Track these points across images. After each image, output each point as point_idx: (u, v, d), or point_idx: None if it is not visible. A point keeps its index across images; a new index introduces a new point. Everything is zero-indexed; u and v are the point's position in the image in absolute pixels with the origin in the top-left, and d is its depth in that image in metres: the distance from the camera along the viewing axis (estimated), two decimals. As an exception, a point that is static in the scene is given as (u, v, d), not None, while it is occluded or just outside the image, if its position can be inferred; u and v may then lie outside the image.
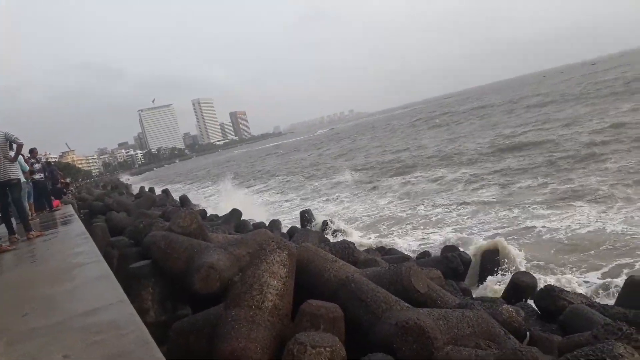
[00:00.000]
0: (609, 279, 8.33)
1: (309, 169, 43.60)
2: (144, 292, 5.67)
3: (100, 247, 7.04)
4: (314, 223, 15.12)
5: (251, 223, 15.45)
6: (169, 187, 45.01)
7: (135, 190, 43.35)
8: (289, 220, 19.35)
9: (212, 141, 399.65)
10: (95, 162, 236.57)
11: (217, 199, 33.39)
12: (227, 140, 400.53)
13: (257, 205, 26.27)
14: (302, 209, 17.40)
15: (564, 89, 63.70)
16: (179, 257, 5.80)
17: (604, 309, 6.06)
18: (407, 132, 62.17)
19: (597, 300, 7.16)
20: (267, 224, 15.91)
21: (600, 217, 11.89)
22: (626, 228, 10.69)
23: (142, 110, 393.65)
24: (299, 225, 15.04)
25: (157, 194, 27.37)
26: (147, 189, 35.37)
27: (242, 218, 15.49)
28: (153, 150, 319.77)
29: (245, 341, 3.55)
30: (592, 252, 9.88)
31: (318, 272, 5.05)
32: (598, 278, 8.63)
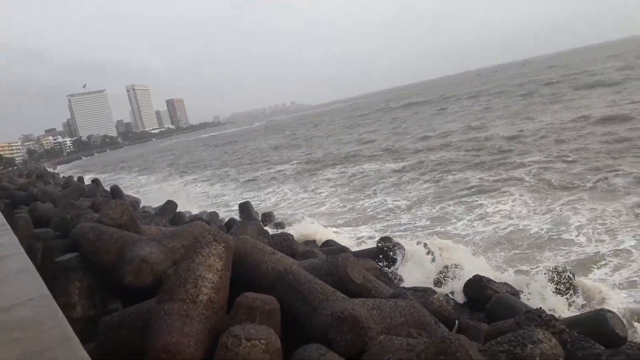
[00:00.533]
0: (533, 269, 8.85)
1: (247, 160, 43.23)
2: (70, 286, 5.41)
3: (23, 240, 6.63)
4: (253, 215, 15.00)
5: (187, 215, 15.11)
6: (99, 176, 43.08)
7: (62, 179, 41.16)
8: (228, 212, 19.10)
9: (147, 129, 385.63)
10: (19, 149, 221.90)
11: (151, 189, 32.39)
12: (163, 129, 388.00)
13: (193, 197, 25.72)
14: (241, 201, 17.23)
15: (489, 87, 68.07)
16: (109, 250, 5.57)
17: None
18: (347, 124, 63.21)
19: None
20: (204, 216, 15.62)
21: (527, 210, 12.60)
22: (550, 220, 11.40)
23: (72, 96, 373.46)
24: (238, 218, 14.87)
25: (86, 183, 26.09)
26: (75, 179, 33.65)
27: (178, 210, 15.10)
28: (83, 138, 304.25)
29: (179, 335, 3.48)
30: (519, 243, 10.45)
31: (256, 264, 5.02)
32: (522, 268, 9.14)
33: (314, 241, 11.90)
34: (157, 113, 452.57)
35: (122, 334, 4.30)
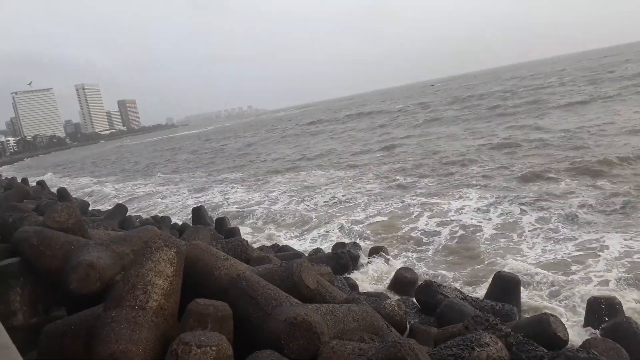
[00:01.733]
0: (481, 275, 9.14)
1: (201, 163, 42.62)
2: (10, 293, 5.15)
3: (-42, 244, 6.27)
4: (207, 221, 14.77)
5: (137, 220, 14.71)
6: (45, 178, 41.37)
7: (4, 180, 39.22)
8: (180, 217, 18.74)
9: (97, 130, 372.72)
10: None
11: (101, 193, 31.41)
12: (114, 130, 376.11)
13: (145, 201, 25.10)
14: (195, 206, 16.93)
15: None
16: (54, 255, 5.34)
17: (475, 302, 6.65)
18: (298, 130, 63.64)
19: (471, 294, 7.82)
20: (155, 220, 15.27)
21: (476, 214, 13.01)
22: (499, 226, 11.82)
23: (16, 94, 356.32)
24: (191, 223, 14.61)
25: (31, 185, 24.95)
26: (19, 180, 32.11)
27: (128, 214, 14.68)
28: (28, 138, 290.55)
29: (126, 343, 3.38)
30: (468, 247, 10.78)
31: (208, 270, 4.95)
32: (471, 274, 9.42)
33: (269, 247, 11.86)
34: (108, 114, 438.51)
35: (65, 342, 4.13)
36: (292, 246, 12.17)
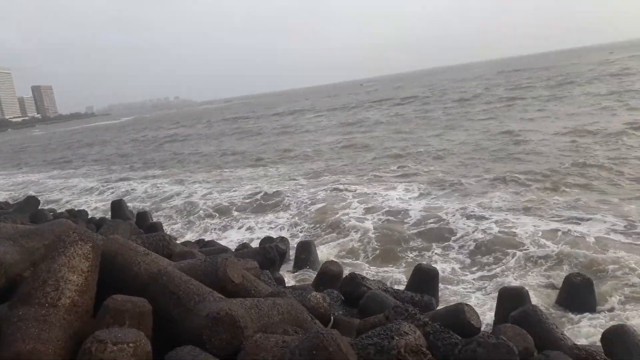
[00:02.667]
0: (404, 267, 9.50)
1: (117, 155, 40.90)
2: None
3: None
4: (127, 215, 14.18)
5: (51, 213, 13.85)
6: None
7: None
8: (98, 212, 17.87)
9: (7, 117, 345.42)
10: None
11: (11, 184, 29.28)
12: (27, 118, 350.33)
13: (59, 194, 23.69)
14: (114, 199, 16.20)
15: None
16: (-48, 251, 4.92)
17: (396, 293, 6.89)
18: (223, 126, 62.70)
19: (394, 286, 8.10)
20: (69, 214, 14.47)
21: (401, 204, 13.50)
22: (424, 215, 12.32)
23: None
24: (110, 218, 13.96)
25: None
26: None
27: (40, 207, 13.79)
28: None
29: (35, 343, 3.18)
30: (394, 238, 11.15)
31: (127, 265, 4.76)
32: (394, 266, 9.77)
33: (194, 242, 11.61)
34: (21, 100, 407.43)
35: (-36, 345, 3.82)
36: (218, 241, 11.99)
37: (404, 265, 9.77)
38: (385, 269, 9.71)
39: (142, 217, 13.34)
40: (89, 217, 15.30)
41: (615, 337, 5.23)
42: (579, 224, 10.59)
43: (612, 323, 6.26)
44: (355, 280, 7.04)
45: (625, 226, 10.07)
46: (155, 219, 14.31)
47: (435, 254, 10.16)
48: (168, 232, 11.86)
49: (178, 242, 10.09)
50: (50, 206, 19.24)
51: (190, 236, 13.38)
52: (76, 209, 17.20)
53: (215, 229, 14.14)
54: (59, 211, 16.08)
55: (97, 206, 19.42)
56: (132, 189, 22.51)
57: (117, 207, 14.36)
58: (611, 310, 7.13)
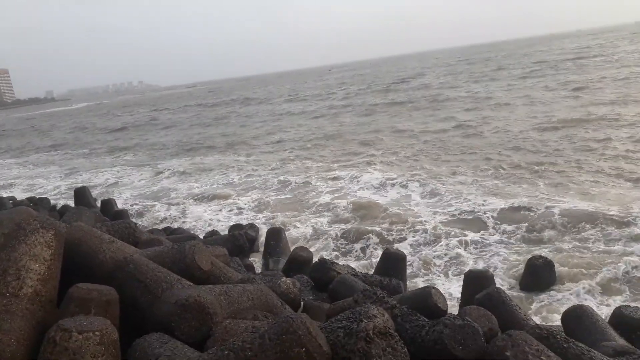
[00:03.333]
0: (372, 250, 9.63)
1: (77, 142, 39.84)
2: None
3: None
4: (91, 203, 13.86)
5: (10, 201, 13.41)
6: None
7: None
8: (61, 199, 17.40)
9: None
10: None
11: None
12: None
13: (19, 182, 22.94)
14: (77, 187, 15.79)
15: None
16: None
17: (365, 277, 6.99)
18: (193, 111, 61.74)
19: (363, 270, 8.21)
20: (30, 202, 14.04)
21: (373, 187, 13.65)
22: (395, 200, 12.48)
23: None
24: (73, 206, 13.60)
25: None
26: None
27: (-1, 195, 13.33)
28: None
29: (-4, 333, 3.11)
30: (362, 223, 11.27)
31: (92, 253, 4.68)
32: (363, 250, 9.90)
33: (161, 230, 11.46)
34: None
35: None
36: (185, 229, 11.88)
37: (371, 249, 9.90)
38: (354, 253, 9.83)
39: (107, 205, 13.05)
40: (52, 205, 14.90)
41: (574, 317, 5.45)
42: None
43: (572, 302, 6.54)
44: (324, 265, 7.10)
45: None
46: (120, 207, 14.05)
47: (401, 237, 10.33)
48: (134, 221, 11.64)
49: (145, 229, 9.95)
50: (7, 194, 18.64)
51: (158, 224, 13.20)
52: (37, 197, 16.70)
53: (181, 217, 13.98)
54: (18, 199, 15.58)
55: (59, 194, 18.92)
56: (94, 177, 22.00)
57: (81, 194, 14.00)
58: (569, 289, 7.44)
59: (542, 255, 8.04)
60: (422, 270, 8.77)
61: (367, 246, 10.12)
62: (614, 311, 5.59)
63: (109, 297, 3.68)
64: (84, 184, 17.83)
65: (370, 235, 10.62)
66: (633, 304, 6.04)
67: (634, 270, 7.70)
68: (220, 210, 14.00)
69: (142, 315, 4.05)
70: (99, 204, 13.61)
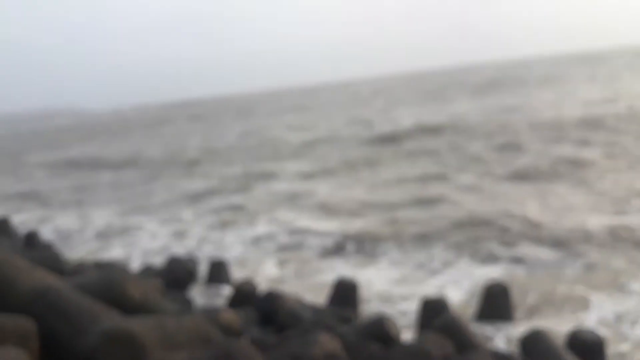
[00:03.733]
0: (322, 282, 9.56)
1: None
2: None
3: None
4: (12, 235, 13.14)
5: None
6: None
7: None
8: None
9: None
10: None
11: None
12: None
13: None
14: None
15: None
16: None
17: (315, 308, 6.93)
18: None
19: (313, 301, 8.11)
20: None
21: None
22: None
23: None
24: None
25: None
26: None
27: None
28: None
29: None
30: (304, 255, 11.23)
31: (8, 282, 4.40)
32: (312, 282, 9.82)
33: (93, 263, 10.98)
34: None
35: None
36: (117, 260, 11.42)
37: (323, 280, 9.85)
38: (304, 283, 9.74)
39: (31, 238, 12.39)
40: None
41: (531, 341, 5.59)
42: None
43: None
44: (271, 297, 6.99)
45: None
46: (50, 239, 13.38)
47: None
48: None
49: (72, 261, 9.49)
50: None
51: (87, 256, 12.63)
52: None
53: (114, 246, 13.47)
54: None
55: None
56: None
57: (1, 226, 13.26)
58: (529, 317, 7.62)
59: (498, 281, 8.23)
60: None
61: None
62: (569, 335, 5.76)
63: (26, 329, 3.47)
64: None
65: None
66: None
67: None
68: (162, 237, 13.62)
69: (65, 348, 3.81)
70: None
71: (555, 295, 8.17)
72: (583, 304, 7.83)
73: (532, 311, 7.80)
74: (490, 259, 9.96)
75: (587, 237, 10.48)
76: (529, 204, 13.38)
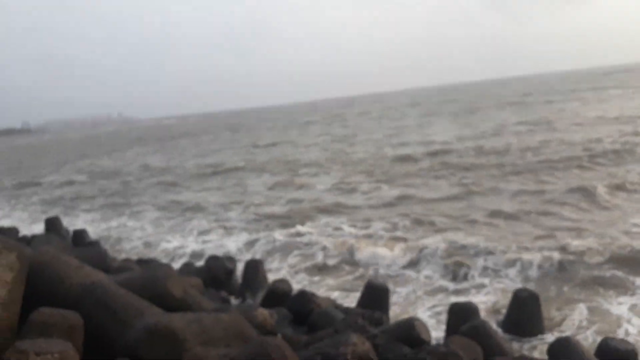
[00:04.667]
0: (354, 285, 9.52)
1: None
2: None
3: None
4: (62, 233, 13.56)
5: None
6: None
7: None
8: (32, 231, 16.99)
9: None
10: None
11: None
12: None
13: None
14: (49, 216, 15.48)
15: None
16: None
17: (347, 310, 6.90)
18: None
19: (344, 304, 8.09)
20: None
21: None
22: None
23: None
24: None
25: None
26: None
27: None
28: None
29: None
30: (344, 257, 11.17)
31: (58, 278, 4.55)
32: (345, 282, 9.78)
33: (135, 260, 11.23)
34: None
35: None
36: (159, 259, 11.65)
37: (354, 284, 9.79)
38: (338, 284, 9.71)
39: (80, 236, 12.80)
40: (20, 235, 14.56)
41: (560, 349, 5.42)
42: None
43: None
44: (304, 297, 7.00)
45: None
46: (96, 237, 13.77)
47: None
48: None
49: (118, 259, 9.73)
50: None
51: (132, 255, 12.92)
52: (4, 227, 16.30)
53: (163, 250, 13.71)
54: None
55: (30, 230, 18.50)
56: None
57: (52, 224, 13.72)
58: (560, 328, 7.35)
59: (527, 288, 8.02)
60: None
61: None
62: (600, 343, 5.56)
63: (72, 323, 3.56)
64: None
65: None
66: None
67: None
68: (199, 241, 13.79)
69: (110, 341, 3.91)
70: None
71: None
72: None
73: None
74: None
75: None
76: None
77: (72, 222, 17.15)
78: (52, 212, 19.90)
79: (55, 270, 4.56)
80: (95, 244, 11.72)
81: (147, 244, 14.11)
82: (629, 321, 7.22)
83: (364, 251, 11.09)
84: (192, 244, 13.57)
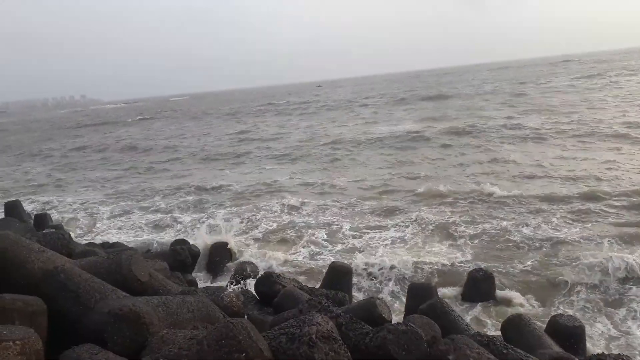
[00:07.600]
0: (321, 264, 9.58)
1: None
2: None
3: None
4: (23, 217, 13.06)
5: None
6: None
7: None
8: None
9: None
10: None
11: None
12: None
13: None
14: (8, 200, 14.88)
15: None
16: None
17: (310, 290, 6.93)
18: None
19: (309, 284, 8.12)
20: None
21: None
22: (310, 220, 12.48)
23: None
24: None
25: None
26: None
27: None
28: None
29: None
30: (302, 239, 11.23)
31: (18, 262, 4.38)
32: (310, 265, 9.83)
33: (99, 244, 10.95)
34: None
35: None
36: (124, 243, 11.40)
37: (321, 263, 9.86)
38: (301, 266, 9.76)
39: (41, 220, 12.34)
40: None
41: (512, 325, 5.61)
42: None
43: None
44: (270, 278, 6.99)
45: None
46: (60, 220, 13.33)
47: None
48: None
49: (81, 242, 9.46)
50: None
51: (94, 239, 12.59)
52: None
53: (119, 228, 13.42)
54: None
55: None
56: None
57: (11, 208, 13.18)
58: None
59: (482, 268, 8.27)
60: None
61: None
62: (549, 320, 5.79)
63: (35, 308, 3.45)
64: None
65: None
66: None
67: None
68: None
69: (74, 326, 3.80)
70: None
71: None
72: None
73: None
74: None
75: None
76: None
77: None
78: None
79: (15, 255, 4.38)
80: (58, 227, 11.37)
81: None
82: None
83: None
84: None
